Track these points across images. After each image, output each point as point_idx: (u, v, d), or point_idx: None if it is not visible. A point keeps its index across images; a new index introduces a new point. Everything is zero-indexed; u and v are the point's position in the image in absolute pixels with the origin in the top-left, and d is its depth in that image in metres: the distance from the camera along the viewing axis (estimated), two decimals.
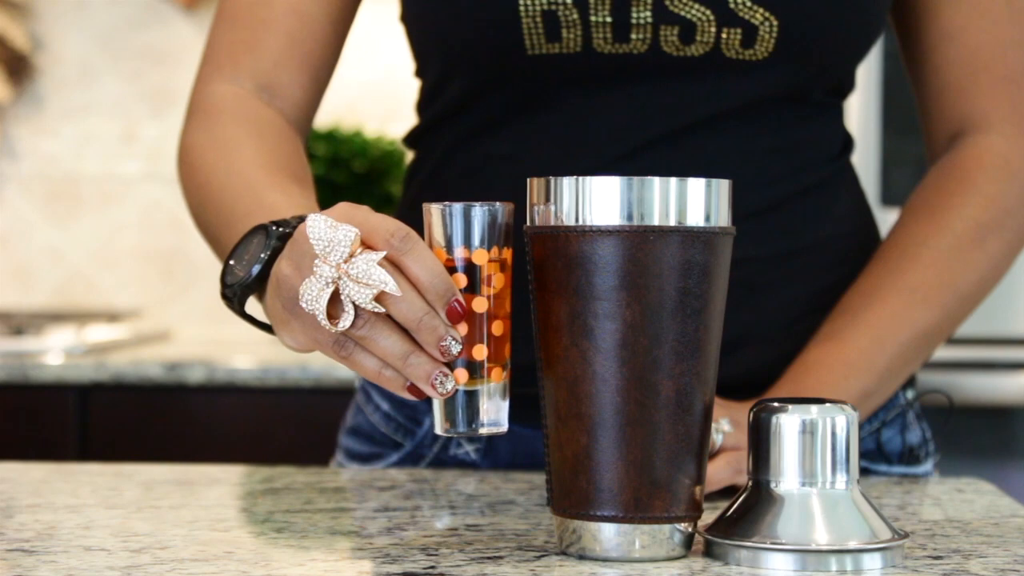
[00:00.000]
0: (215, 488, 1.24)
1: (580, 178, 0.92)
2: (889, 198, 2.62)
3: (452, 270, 0.93)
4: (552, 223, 0.93)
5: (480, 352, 0.93)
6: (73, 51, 3.24)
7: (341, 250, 0.92)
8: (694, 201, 0.92)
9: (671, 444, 0.91)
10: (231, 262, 1.06)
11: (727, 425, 1.16)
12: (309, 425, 2.55)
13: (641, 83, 1.23)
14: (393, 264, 0.92)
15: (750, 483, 0.95)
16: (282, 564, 0.93)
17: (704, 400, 0.93)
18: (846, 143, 1.36)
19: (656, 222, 0.91)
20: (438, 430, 0.95)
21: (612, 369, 0.91)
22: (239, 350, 2.78)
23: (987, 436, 2.65)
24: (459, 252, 0.93)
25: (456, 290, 0.92)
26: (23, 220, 3.24)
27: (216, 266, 3.30)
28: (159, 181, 3.21)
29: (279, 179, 1.19)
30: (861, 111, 2.59)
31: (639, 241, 0.90)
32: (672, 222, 0.91)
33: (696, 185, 0.92)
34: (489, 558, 0.94)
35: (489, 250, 0.93)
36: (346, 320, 0.92)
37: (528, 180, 0.95)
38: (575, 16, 1.21)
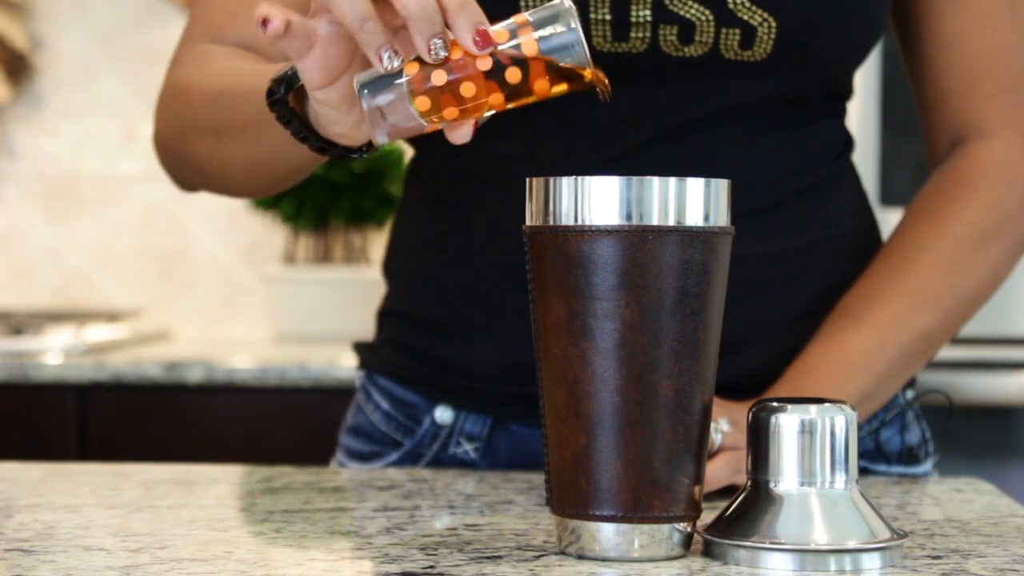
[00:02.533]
0: (214, 488, 1.24)
1: (579, 178, 0.92)
2: (888, 198, 2.62)
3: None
4: (551, 223, 0.93)
5: (440, 78, 0.94)
6: (72, 51, 3.24)
7: None
8: (693, 201, 0.92)
9: (670, 444, 0.91)
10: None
11: (726, 425, 1.16)
12: (308, 425, 2.55)
13: (640, 83, 1.23)
14: None
15: (749, 483, 0.95)
16: (281, 564, 0.93)
17: (703, 400, 0.93)
18: (847, 143, 1.36)
19: (655, 222, 0.91)
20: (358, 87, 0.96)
21: (611, 369, 0.91)
22: (238, 350, 2.78)
23: (986, 436, 2.65)
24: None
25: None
26: (22, 220, 3.24)
27: (216, 266, 3.24)
28: (159, 181, 3.19)
29: None
30: (861, 111, 2.59)
31: (638, 241, 0.90)
32: (671, 222, 0.91)
33: (695, 185, 0.92)
34: (488, 558, 0.94)
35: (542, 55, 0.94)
36: None
37: (527, 180, 0.95)
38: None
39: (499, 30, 0.95)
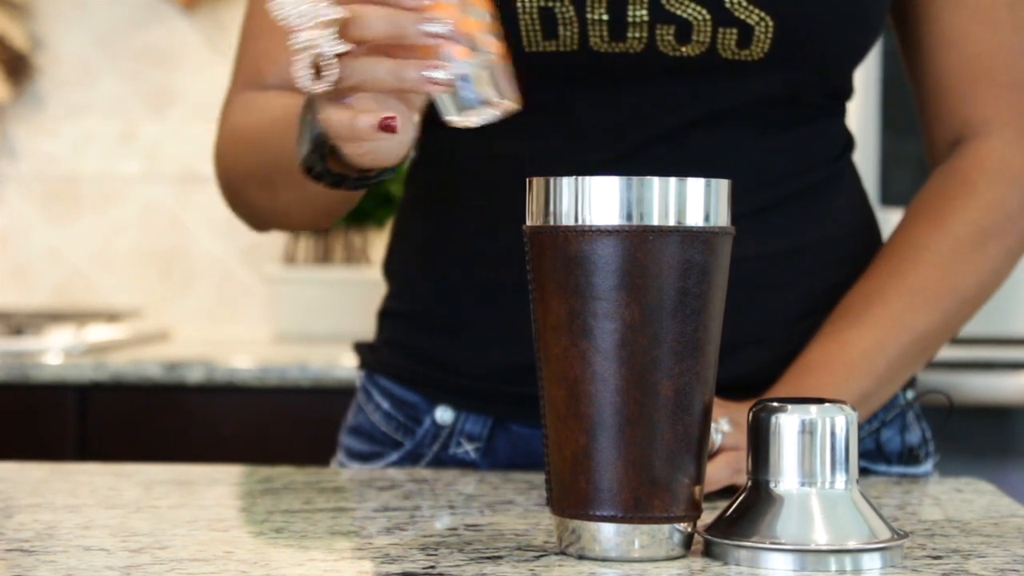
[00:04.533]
0: (214, 488, 1.24)
1: (579, 178, 0.92)
2: (889, 198, 2.62)
3: None
4: (551, 223, 0.93)
5: (468, 24, 0.95)
6: (73, 51, 3.24)
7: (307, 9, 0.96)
8: (693, 201, 0.92)
9: (670, 444, 0.91)
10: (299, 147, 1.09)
11: (726, 425, 1.16)
12: (308, 425, 2.55)
13: (638, 82, 1.23)
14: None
15: (749, 483, 0.95)
16: (281, 564, 0.93)
17: (703, 400, 0.93)
18: (847, 143, 1.36)
19: (655, 222, 0.91)
20: (453, 118, 0.97)
21: (611, 369, 0.91)
22: (238, 350, 2.78)
23: (987, 436, 2.65)
24: None
25: None
26: (22, 220, 3.24)
27: (216, 266, 3.25)
28: (158, 181, 3.21)
29: None
30: (861, 111, 2.59)
31: (638, 241, 0.90)
32: (671, 222, 0.91)
33: (695, 185, 0.92)
34: (488, 558, 0.94)
35: None
36: (330, 72, 0.96)
37: (528, 180, 0.95)
38: (571, 13, 1.21)
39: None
